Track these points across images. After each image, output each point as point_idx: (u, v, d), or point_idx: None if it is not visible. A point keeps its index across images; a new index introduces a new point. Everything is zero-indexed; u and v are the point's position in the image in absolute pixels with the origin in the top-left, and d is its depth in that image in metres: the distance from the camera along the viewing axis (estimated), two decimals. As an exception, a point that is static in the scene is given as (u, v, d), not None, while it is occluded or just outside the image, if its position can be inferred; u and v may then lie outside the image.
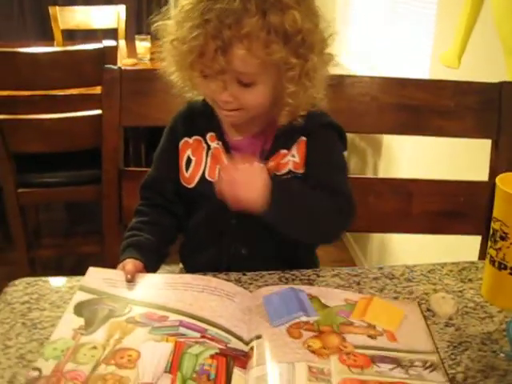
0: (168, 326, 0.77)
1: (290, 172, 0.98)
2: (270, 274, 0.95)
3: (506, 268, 0.85)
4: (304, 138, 0.98)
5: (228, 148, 1.00)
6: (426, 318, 0.83)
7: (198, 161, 1.01)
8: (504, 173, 0.90)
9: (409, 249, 2.13)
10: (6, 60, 1.77)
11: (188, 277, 0.89)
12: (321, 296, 0.86)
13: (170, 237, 1.06)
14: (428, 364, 0.72)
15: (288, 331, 0.77)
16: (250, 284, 0.92)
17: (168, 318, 0.79)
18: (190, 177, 1.02)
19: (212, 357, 0.72)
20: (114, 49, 1.84)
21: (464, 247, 1.53)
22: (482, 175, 1.39)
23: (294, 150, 0.98)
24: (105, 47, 1.82)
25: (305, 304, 0.84)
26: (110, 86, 1.35)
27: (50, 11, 3.22)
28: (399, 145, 2.24)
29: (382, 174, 2.43)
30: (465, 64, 1.69)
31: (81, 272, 0.93)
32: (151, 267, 0.96)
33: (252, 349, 0.74)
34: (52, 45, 3.10)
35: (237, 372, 0.70)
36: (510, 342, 0.74)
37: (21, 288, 0.91)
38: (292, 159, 0.98)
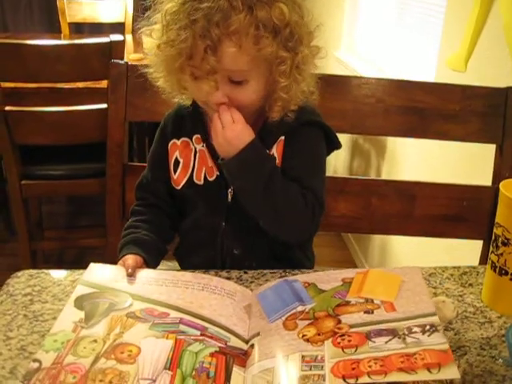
0: (168, 323, 0.77)
1: None
2: (271, 272, 0.95)
3: (506, 274, 0.85)
4: (283, 138, 0.97)
5: (212, 149, 0.98)
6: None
7: (186, 163, 1.01)
8: (508, 178, 0.90)
9: (410, 251, 2.14)
10: (13, 52, 1.77)
11: (189, 275, 0.90)
12: (317, 281, 0.85)
13: (167, 235, 1.07)
14: (427, 327, 0.70)
15: (284, 324, 0.77)
16: (251, 282, 0.92)
17: (169, 315, 0.79)
18: (177, 178, 1.02)
19: (212, 355, 0.72)
20: (121, 43, 1.84)
21: (465, 251, 1.53)
22: (486, 180, 1.39)
23: (274, 150, 0.97)
24: (112, 41, 1.82)
25: (300, 293, 0.83)
26: (117, 80, 1.35)
27: (57, 4, 3.23)
28: (403, 147, 2.24)
29: (385, 176, 2.43)
30: (471, 68, 1.69)
31: (82, 265, 0.93)
32: (151, 263, 0.96)
33: (251, 347, 0.75)
34: (59, 38, 3.11)
35: (236, 370, 0.71)
36: (509, 348, 0.74)
37: (23, 280, 0.91)
38: None
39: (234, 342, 0.76)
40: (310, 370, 0.67)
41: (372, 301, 0.78)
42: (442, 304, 0.82)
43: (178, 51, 0.86)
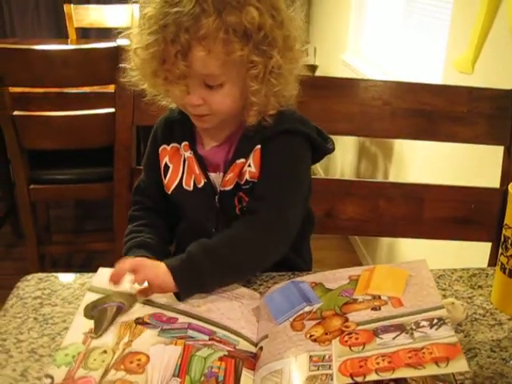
0: (177, 329, 0.77)
1: (247, 182, 0.95)
2: (280, 275, 0.95)
3: (516, 275, 0.85)
4: (259, 147, 0.95)
5: (200, 158, 0.98)
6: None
7: (176, 168, 1.01)
8: (515, 181, 0.90)
9: (417, 253, 2.13)
10: (21, 57, 1.78)
11: None
12: (324, 281, 0.85)
13: (168, 237, 1.07)
14: (435, 321, 0.70)
15: (291, 325, 0.77)
16: (260, 285, 0.92)
17: (177, 320, 0.79)
18: (167, 183, 1.02)
19: (220, 359, 0.72)
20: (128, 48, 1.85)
21: (473, 253, 1.53)
22: (494, 182, 1.39)
23: (251, 159, 0.95)
24: (119, 46, 1.82)
25: (307, 294, 0.83)
26: (124, 84, 1.35)
27: (64, 9, 3.25)
28: (410, 150, 2.23)
29: (392, 179, 2.43)
30: (478, 69, 1.69)
31: (90, 269, 0.93)
32: None
33: (260, 349, 0.75)
34: (66, 43, 3.12)
35: (245, 374, 0.70)
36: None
37: (33, 283, 0.92)
38: (249, 169, 0.95)
39: (243, 345, 0.76)
40: (318, 369, 0.67)
41: (379, 297, 0.77)
42: (452, 306, 0.82)
43: (151, 55, 0.86)
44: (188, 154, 0.99)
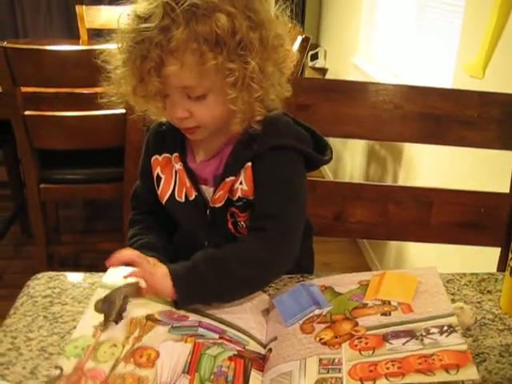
0: (187, 326, 0.78)
1: (239, 199, 0.94)
2: (289, 277, 0.95)
3: (526, 281, 0.85)
4: (250, 164, 0.92)
5: (190, 171, 0.97)
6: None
7: (168, 179, 0.99)
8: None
9: (426, 257, 2.12)
10: (33, 57, 1.79)
11: None
12: (334, 284, 0.85)
13: (169, 240, 1.07)
14: (445, 328, 0.70)
15: (301, 328, 0.77)
16: (269, 287, 0.92)
17: (188, 318, 0.80)
18: (160, 194, 1.01)
19: (230, 358, 0.72)
20: (140, 49, 1.86)
21: (482, 258, 1.52)
22: (503, 187, 1.39)
23: (242, 177, 0.92)
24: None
25: (317, 297, 0.83)
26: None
27: (76, 10, 3.26)
28: (420, 154, 2.23)
29: (401, 183, 2.42)
30: (489, 74, 1.68)
31: (98, 269, 0.94)
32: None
33: (269, 351, 0.75)
34: (78, 43, 3.14)
35: (254, 375, 0.71)
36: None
37: (43, 282, 0.92)
38: (240, 186, 0.93)
39: (253, 345, 0.76)
40: (328, 372, 0.67)
41: (389, 303, 0.77)
42: (461, 310, 0.82)
43: (129, 73, 0.85)
44: (178, 166, 0.97)
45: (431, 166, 2.12)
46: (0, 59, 1.73)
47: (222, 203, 0.95)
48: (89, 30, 3.28)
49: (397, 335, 0.70)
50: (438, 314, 0.73)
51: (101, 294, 0.84)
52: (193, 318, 0.80)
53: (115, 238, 2.15)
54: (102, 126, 1.90)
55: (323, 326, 0.76)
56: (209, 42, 0.80)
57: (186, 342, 0.75)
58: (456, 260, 1.76)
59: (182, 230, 1.06)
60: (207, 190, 0.97)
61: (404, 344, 0.69)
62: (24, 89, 1.86)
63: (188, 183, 0.97)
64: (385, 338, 0.70)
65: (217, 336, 0.76)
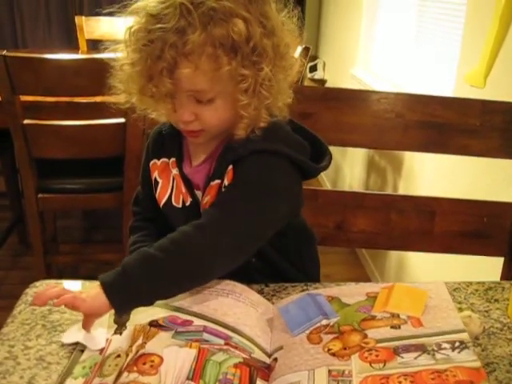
0: (192, 332, 0.76)
1: None
2: (292, 286, 0.94)
3: (534, 289, 0.83)
4: (231, 167, 0.90)
5: (185, 177, 0.96)
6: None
7: (165, 184, 0.99)
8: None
9: (427, 268, 2.11)
10: (32, 66, 1.78)
11: (213, 281, 0.88)
12: (341, 295, 0.84)
13: None
14: (457, 344, 0.69)
15: (308, 338, 0.76)
16: (273, 296, 0.91)
17: (192, 323, 0.78)
18: (158, 198, 1.00)
19: (236, 366, 0.70)
20: (140, 58, 1.85)
21: (484, 269, 1.51)
22: (506, 196, 1.38)
23: (225, 180, 0.90)
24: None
25: (324, 307, 0.82)
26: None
27: (75, 21, 3.26)
28: (421, 164, 2.22)
29: (401, 193, 2.41)
30: (490, 83, 1.68)
31: (97, 280, 0.92)
32: None
33: (274, 360, 0.73)
34: (77, 54, 3.14)
35: None
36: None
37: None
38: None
39: (258, 354, 0.74)
40: (338, 383, 0.66)
41: (398, 316, 0.76)
42: (469, 319, 0.80)
43: (137, 73, 0.84)
44: (175, 171, 0.97)
45: (432, 176, 2.11)
46: (-1, 67, 1.72)
47: None
48: (88, 41, 3.28)
49: (407, 349, 0.69)
50: (448, 330, 0.72)
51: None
52: (197, 322, 0.78)
53: (114, 248, 2.13)
54: (102, 135, 1.89)
55: (331, 336, 0.75)
56: (224, 46, 0.80)
57: (190, 347, 0.73)
58: (457, 270, 1.75)
59: None
60: (200, 196, 0.96)
61: (415, 358, 0.68)
62: (23, 97, 1.85)
63: (184, 189, 0.96)
64: (395, 352, 0.69)
65: (222, 342, 0.75)
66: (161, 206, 1.00)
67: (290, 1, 0.92)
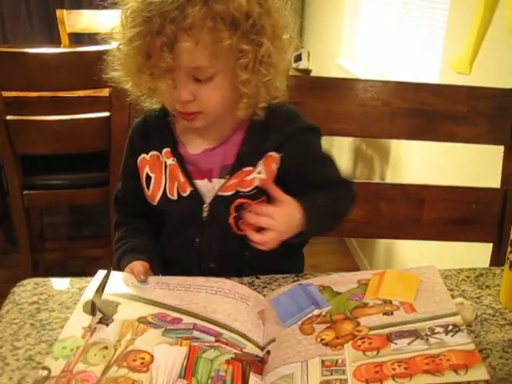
0: (182, 329, 0.75)
1: (256, 188, 0.93)
2: (283, 277, 0.93)
3: (526, 274, 0.83)
4: (273, 154, 0.93)
5: (183, 162, 0.95)
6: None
7: (158, 178, 0.97)
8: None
9: (416, 256, 2.11)
10: (14, 61, 1.75)
11: (201, 279, 0.88)
12: (332, 284, 0.83)
13: (156, 240, 1.04)
14: (450, 328, 0.68)
15: (300, 329, 0.75)
16: (264, 288, 0.90)
17: (182, 321, 0.77)
18: (151, 194, 0.98)
19: (227, 362, 0.70)
20: (123, 51, 1.83)
21: (473, 255, 1.51)
22: (494, 182, 1.38)
23: (261, 167, 0.93)
24: (114, 49, 1.80)
25: (315, 297, 0.81)
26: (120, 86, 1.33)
27: (57, 14, 3.22)
28: (408, 152, 2.22)
29: (390, 181, 2.41)
30: (475, 69, 1.68)
31: (85, 276, 0.91)
32: (155, 267, 0.94)
33: (267, 353, 0.72)
34: (59, 48, 3.10)
35: (253, 378, 0.68)
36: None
37: (29, 288, 0.89)
38: (258, 176, 0.93)
39: (250, 348, 0.74)
40: (332, 374, 0.65)
41: (390, 302, 0.76)
42: (461, 306, 0.80)
43: (135, 50, 0.83)
44: (171, 161, 0.95)
45: (420, 164, 2.11)
46: (-20, 63, 1.69)
47: (232, 192, 0.93)
48: (70, 35, 3.24)
49: (401, 335, 0.69)
50: (441, 314, 0.71)
51: (90, 295, 0.81)
52: (187, 320, 0.77)
53: (102, 243, 2.11)
54: (86, 129, 1.86)
55: (323, 326, 0.74)
56: (225, 21, 0.80)
57: (180, 345, 0.72)
58: (447, 258, 1.75)
59: (171, 228, 1.02)
60: (203, 185, 0.94)
61: (409, 344, 0.67)
62: (5, 93, 1.82)
63: (182, 178, 0.94)
64: (388, 338, 0.69)
65: (213, 339, 0.74)
66: (156, 201, 0.98)
67: None
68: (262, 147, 0.93)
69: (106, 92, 1.90)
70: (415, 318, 0.72)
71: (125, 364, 0.68)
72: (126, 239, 1.00)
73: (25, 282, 0.91)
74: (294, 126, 0.95)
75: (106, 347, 0.72)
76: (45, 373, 0.67)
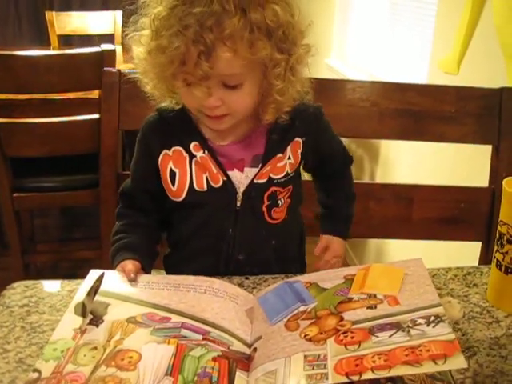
0: (170, 328, 0.76)
1: (287, 175, 0.97)
2: (273, 277, 0.94)
3: (512, 272, 0.84)
4: (298, 139, 0.98)
5: (214, 155, 0.96)
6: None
7: (183, 172, 0.97)
8: (507, 177, 0.89)
9: (405, 255, 2.11)
10: (4, 63, 1.75)
11: (191, 278, 0.88)
12: (319, 280, 0.84)
13: (155, 237, 1.04)
14: (432, 319, 0.69)
15: (286, 325, 0.75)
16: (254, 288, 0.91)
17: (170, 320, 0.77)
18: (177, 190, 0.97)
19: (214, 359, 0.70)
20: (113, 52, 1.83)
21: (461, 253, 1.52)
22: (482, 181, 1.39)
23: (289, 152, 0.97)
24: (103, 51, 1.81)
25: (301, 294, 0.81)
26: (109, 88, 1.34)
27: (46, 16, 3.21)
28: (397, 152, 2.23)
29: (379, 182, 2.42)
30: (463, 69, 1.69)
31: (76, 278, 0.91)
32: (147, 266, 0.94)
33: (254, 350, 0.73)
34: (48, 50, 3.09)
35: (239, 375, 0.69)
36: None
37: (19, 291, 0.89)
38: (288, 161, 0.97)
39: (237, 346, 0.74)
40: (313, 369, 0.65)
41: (375, 296, 0.76)
42: (449, 305, 0.81)
43: (170, 58, 0.83)
44: (201, 153, 0.95)
45: (409, 164, 2.12)
46: (-31, 66, 1.69)
47: (266, 179, 0.95)
48: (59, 37, 3.24)
49: (383, 328, 0.69)
50: (424, 305, 0.72)
51: (81, 296, 0.81)
52: (175, 319, 0.78)
53: (93, 245, 2.10)
54: (76, 131, 1.86)
55: (308, 322, 0.74)
56: (261, 30, 0.82)
57: (168, 343, 0.72)
58: (437, 256, 1.76)
59: (201, 221, 1.00)
60: (236, 175, 0.96)
61: (390, 336, 0.67)
62: (-5, 96, 1.82)
63: (215, 169, 0.95)
64: (370, 332, 0.69)
65: (200, 337, 0.74)
66: (183, 196, 0.97)
67: None
68: (289, 134, 0.97)
69: (95, 94, 1.90)
70: (398, 311, 0.72)
71: (113, 363, 0.69)
72: (123, 234, 0.99)
73: (15, 284, 0.91)
74: (312, 112, 1.00)
75: (96, 348, 0.72)
76: (35, 375, 0.67)
